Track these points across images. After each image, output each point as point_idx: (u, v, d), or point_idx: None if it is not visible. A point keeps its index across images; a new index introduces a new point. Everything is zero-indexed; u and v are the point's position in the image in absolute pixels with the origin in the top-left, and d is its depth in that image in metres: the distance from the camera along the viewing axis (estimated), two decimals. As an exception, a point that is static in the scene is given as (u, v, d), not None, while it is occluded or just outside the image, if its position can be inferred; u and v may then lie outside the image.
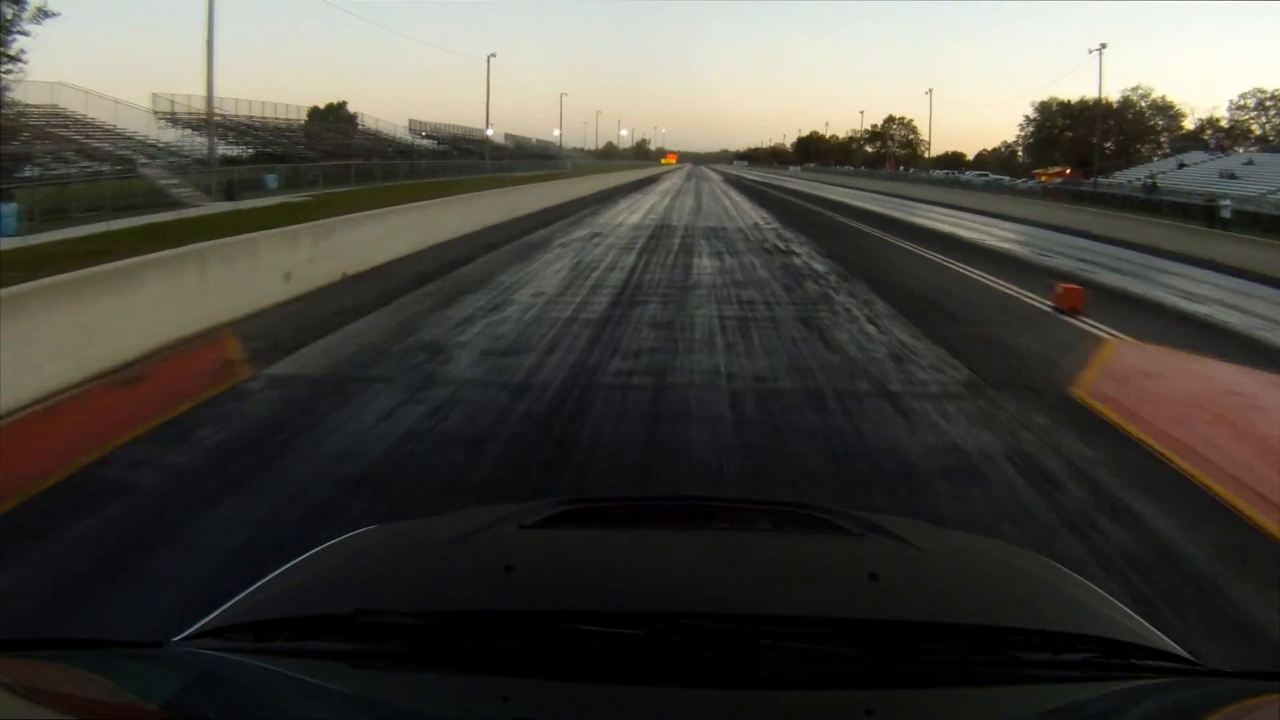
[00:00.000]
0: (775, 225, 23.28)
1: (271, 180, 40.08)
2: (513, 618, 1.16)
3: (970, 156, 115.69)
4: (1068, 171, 78.96)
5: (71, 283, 6.74)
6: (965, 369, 7.17)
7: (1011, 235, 23.68)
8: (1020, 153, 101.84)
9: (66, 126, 37.13)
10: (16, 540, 3.64)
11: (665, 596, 1.22)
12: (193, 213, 25.10)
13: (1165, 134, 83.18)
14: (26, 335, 5.89)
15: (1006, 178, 74.75)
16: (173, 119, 45.31)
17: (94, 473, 4.45)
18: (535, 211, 24.77)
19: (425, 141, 68.65)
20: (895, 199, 46.89)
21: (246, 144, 48.24)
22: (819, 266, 13.87)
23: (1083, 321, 9.78)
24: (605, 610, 1.15)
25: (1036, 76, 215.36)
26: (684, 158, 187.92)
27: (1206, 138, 74.33)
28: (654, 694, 1.05)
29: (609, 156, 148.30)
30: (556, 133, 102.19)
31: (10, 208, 18.11)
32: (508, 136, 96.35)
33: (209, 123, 39.76)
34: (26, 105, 36.05)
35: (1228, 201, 34.56)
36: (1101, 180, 60.56)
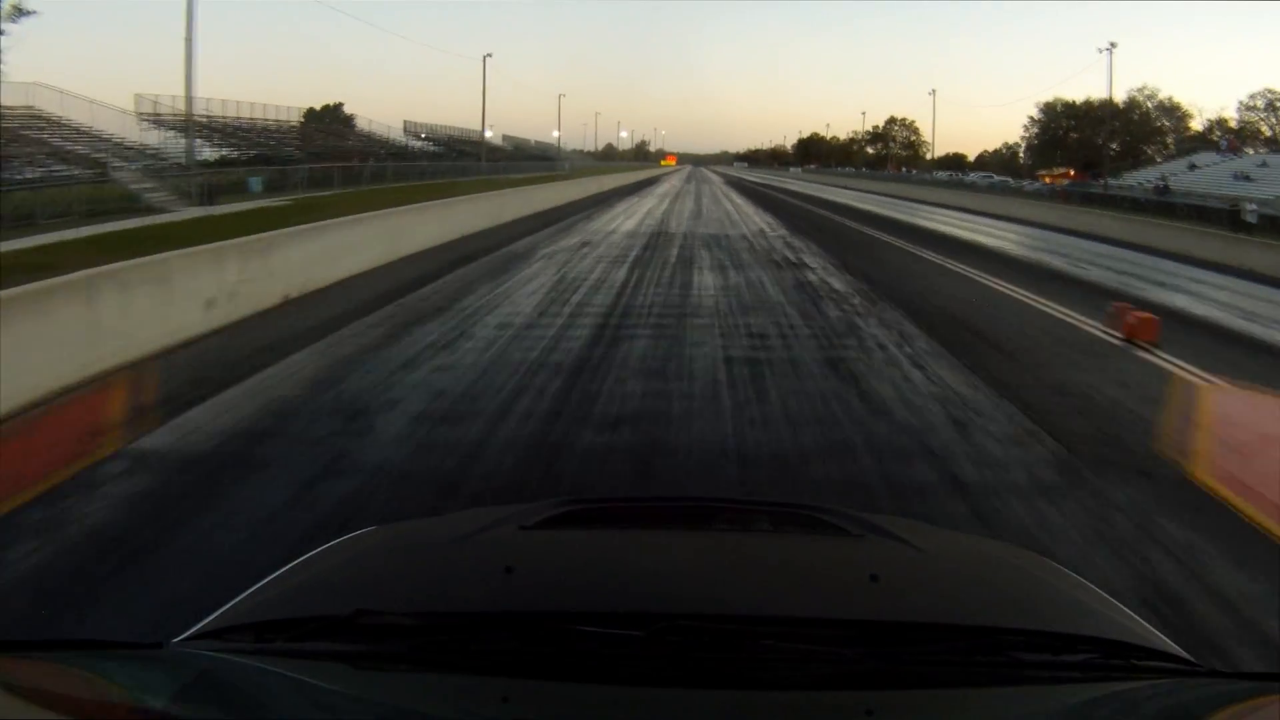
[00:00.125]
0: (782, 232, 21.50)
1: (256, 183, 38.65)
2: (513, 618, 1.16)
3: (971, 158, 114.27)
4: (1071, 173, 77.44)
5: None
6: (1048, 436, 5.44)
7: (1033, 242, 21.96)
8: (1022, 154, 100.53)
9: (44, 129, 35.48)
10: None
11: (665, 597, 1.22)
12: (161, 219, 23.45)
13: (1172, 135, 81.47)
14: None
15: (1011, 180, 73.32)
16: (156, 120, 43.64)
17: None
18: (523, 217, 23.04)
19: (419, 143, 66.96)
20: (900, 201, 45.27)
21: (233, 146, 46.60)
22: (837, 284, 12.12)
23: (1158, 356, 8.08)
24: (605, 611, 1.15)
25: (1038, 78, 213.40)
26: (684, 159, 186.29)
27: (1215, 139, 72.68)
28: (654, 695, 1.05)
29: (609, 158, 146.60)
30: (556, 134, 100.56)
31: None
32: (505, 138, 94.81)
33: (188, 124, 38.17)
34: (1, 107, 34.51)
35: (1252, 206, 32.95)
36: (1111, 182, 59.00)
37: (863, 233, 22.31)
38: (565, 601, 1.21)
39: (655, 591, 1.25)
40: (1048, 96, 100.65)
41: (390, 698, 1.06)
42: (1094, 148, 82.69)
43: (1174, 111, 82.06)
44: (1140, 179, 60.56)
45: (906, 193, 54.63)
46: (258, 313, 9.09)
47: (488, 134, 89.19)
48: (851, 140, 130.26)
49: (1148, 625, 1.33)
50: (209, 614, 1.24)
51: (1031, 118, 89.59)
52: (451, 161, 60.76)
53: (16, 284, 6.45)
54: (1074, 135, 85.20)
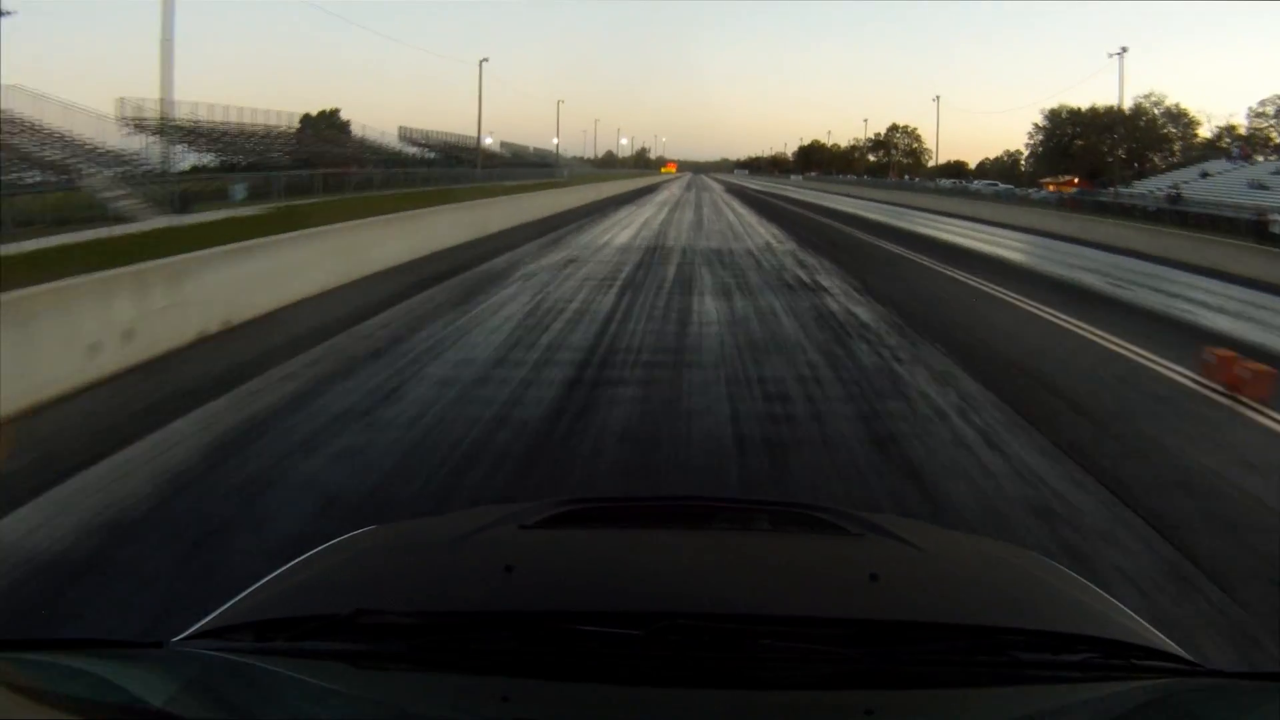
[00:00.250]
0: (791, 246, 19.63)
1: (239, 190, 37.12)
2: (513, 618, 1.15)
3: (971, 165, 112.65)
4: (1075, 181, 75.82)
5: None
6: (1206, 579, 3.66)
7: (1059, 256, 20.15)
8: (1023, 162, 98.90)
9: (17, 133, 33.77)
10: None
11: (665, 597, 1.22)
12: (118, 230, 21.70)
13: (1179, 143, 79.76)
14: None
15: (1017, 188, 71.73)
16: (139, 125, 41.95)
17: None
18: (509, 228, 21.26)
19: (414, 149, 65.27)
20: (906, 210, 43.58)
21: (219, 152, 44.91)
22: (863, 313, 10.29)
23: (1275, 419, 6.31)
24: (605, 610, 1.15)
25: (1038, 85, 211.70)
26: (684, 166, 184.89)
27: (1225, 146, 71.05)
28: (654, 694, 1.04)
29: (609, 165, 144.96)
30: (555, 142, 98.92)
31: None
32: (503, 144, 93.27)
33: (163, 128, 36.47)
34: (-27, 110, 32.92)
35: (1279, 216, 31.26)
36: (1120, 190, 57.34)
37: (877, 246, 20.49)
38: (565, 601, 1.20)
39: (655, 591, 1.24)
40: (1050, 103, 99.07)
41: (390, 697, 1.05)
42: (1100, 155, 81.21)
43: (1181, 118, 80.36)
44: (1150, 187, 58.82)
45: (911, 201, 52.94)
46: (159, 356, 7.32)
47: (486, 140, 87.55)
48: (853, 147, 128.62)
49: (1148, 625, 1.32)
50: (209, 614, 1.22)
51: (1036, 124, 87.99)
52: (446, 168, 59.11)
53: None
54: (1079, 142, 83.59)
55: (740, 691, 1.04)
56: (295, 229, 12.33)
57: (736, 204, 43.74)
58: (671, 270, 13.97)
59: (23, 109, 34.96)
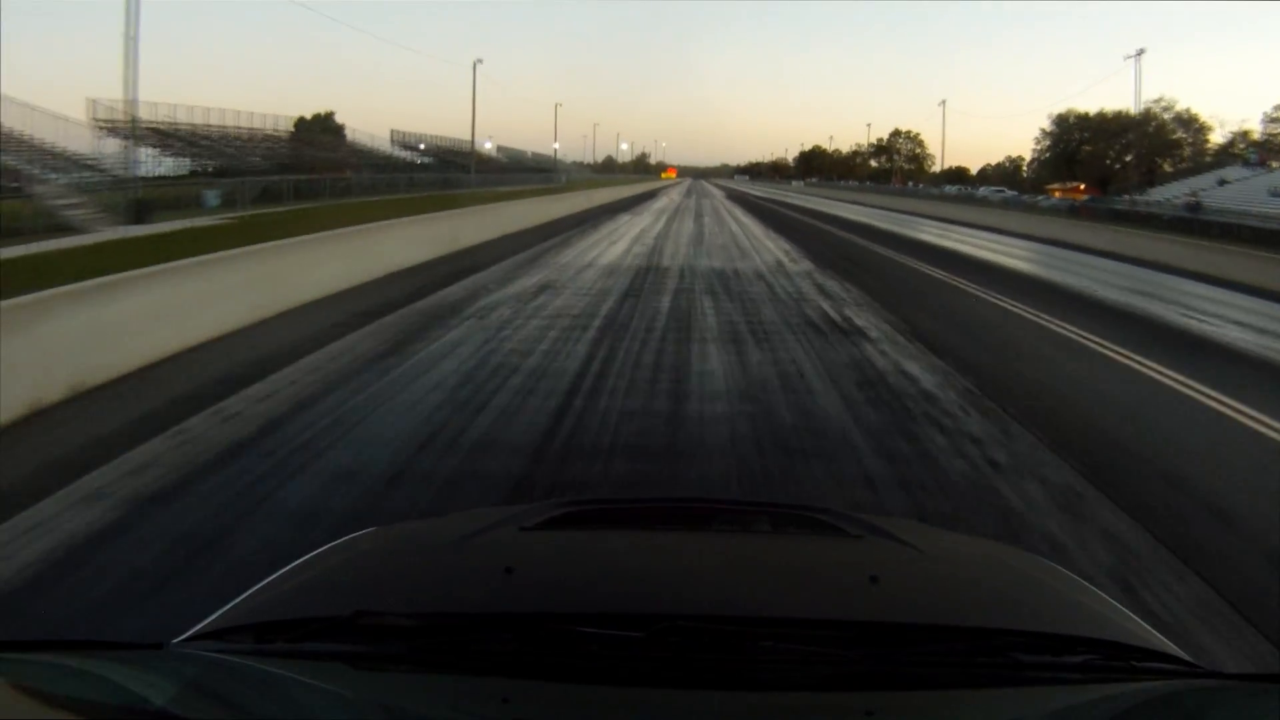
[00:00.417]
0: (806, 265, 16.74)
1: (212, 197, 34.69)
2: (513, 619, 1.14)
3: (973, 171, 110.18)
4: (1082, 188, 73.35)
5: None
6: None
7: (1104, 275, 17.42)
8: (1025, 168, 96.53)
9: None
10: None
11: (665, 598, 1.21)
12: (59, 243, 19.10)
13: (1190, 148, 77.10)
14: None
15: (1026, 195, 69.26)
16: (111, 128, 39.39)
17: None
18: (484, 243, 18.58)
19: (405, 153, 62.66)
20: (915, 218, 40.99)
21: (196, 156, 42.30)
22: (921, 374, 7.46)
23: None
24: (605, 612, 1.14)
25: (1039, 90, 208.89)
26: (684, 172, 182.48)
27: (1240, 152, 68.48)
28: (654, 696, 1.03)
29: (608, 170, 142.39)
30: (555, 146, 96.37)
31: None
32: (500, 149, 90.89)
33: (131, 132, 33.87)
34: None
35: (1326, 227, 28.66)
36: (1136, 198, 54.78)
37: (902, 265, 17.72)
38: (565, 602, 1.19)
39: (655, 592, 1.24)
40: (1055, 108, 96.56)
41: (390, 698, 1.05)
42: (1108, 161, 78.64)
43: (1192, 124, 77.70)
44: (1167, 195, 56.23)
45: (917, 208, 50.39)
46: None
47: (486, 145, 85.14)
48: (854, 153, 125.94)
49: (1148, 626, 1.31)
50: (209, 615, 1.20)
51: (1043, 129, 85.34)
52: (438, 173, 56.51)
53: None
54: (1086, 148, 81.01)
55: (740, 693, 1.04)
56: (249, 244, 10.63)
57: (739, 212, 40.97)
58: (665, 302, 11.24)
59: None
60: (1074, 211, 49.64)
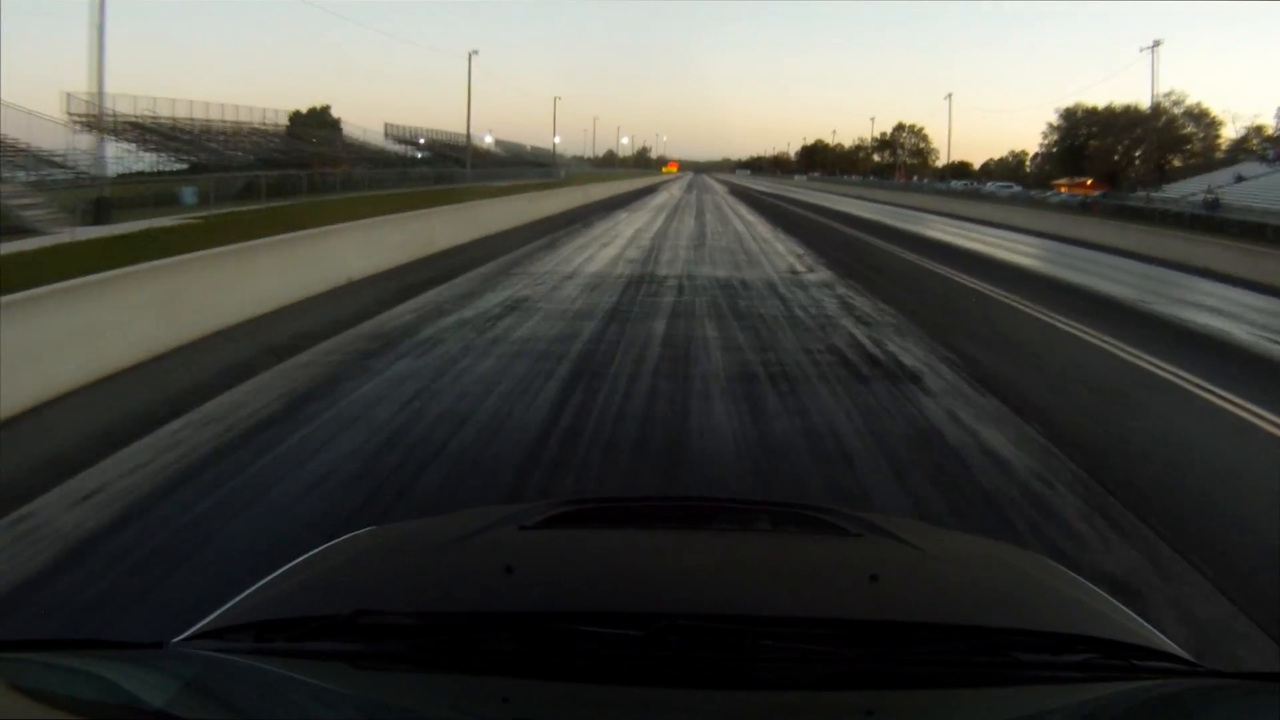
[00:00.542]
0: (825, 274, 14.25)
1: (189, 194, 32.65)
2: (513, 618, 1.12)
3: (976, 166, 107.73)
4: (1089, 183, 71.05)
5: None
6: None
7: (1156, 285, 15.20)
8: (1028, 163, 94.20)
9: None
10: None
11: (665, 597, 1.19)
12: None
13: (1200, 144, 74.60)
14: None
15: (1034, 190, 67.01)
16: (87, 123, 37.20)
17: None
18: (459, 245, 16.32)
19: (398, 147, 60.35)
20: (925, 214, 38.79)
21: (176, 151, 40.08)
22: (1001, 445, 5.22)
23: None
24: (605, 611, 1.13)
25: (1042, 85, 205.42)
26: (685, 166, 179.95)
27: (1254, 147, 66.11)
28: (654, 695, 1.02)
29: (609, 165, 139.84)
30: (557, 140, 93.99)
31: None
32: (500, 143, 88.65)
33: (100, 125, 31.67)
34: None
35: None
36: (1152, 195, 52.49)
37: (931, 272, 15.35)
38: (565, 601, 1.17)
39: (655, 591, 1.22)
40: (1058, 103, 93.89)
41: (390, 698, 1.03)
42: (1116, 157, 76.24)
43: (1203, 119, 75.11)
44: (1182, 191, 53.91)
45: (925, 204, 48.04)
46: None
47: (486, 139, 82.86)
48: (857, 147, 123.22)
49: (1148, 625, 1.28)
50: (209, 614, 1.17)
51: (1051, 124, 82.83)
52: (431, 167, 54.29)
53: None
54: (1094, 143, 78.55)
55: (740, 692, 1.02)
56: (206, 247, 9.44)
57: (743, 209, 38.60)
58: (660, 326, 8.99)
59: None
60: (1086, 208, 47.46)
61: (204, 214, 26.23)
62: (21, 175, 27.51)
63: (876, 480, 4.69)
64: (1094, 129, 78.92)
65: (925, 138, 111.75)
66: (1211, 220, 37.84)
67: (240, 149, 42.46)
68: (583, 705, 0.99)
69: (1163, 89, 74.83)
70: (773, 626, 1.08)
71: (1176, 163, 71.45)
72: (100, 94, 29.43)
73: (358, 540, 1.50)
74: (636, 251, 17.25)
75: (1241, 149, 67.58)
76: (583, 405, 5.92)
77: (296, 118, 60.61)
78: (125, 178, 34.80)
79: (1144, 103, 72.16)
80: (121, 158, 38.75)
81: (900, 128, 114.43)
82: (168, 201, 30.45)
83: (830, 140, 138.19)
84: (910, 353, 8.00)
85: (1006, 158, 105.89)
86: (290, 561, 1.38)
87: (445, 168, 54.00)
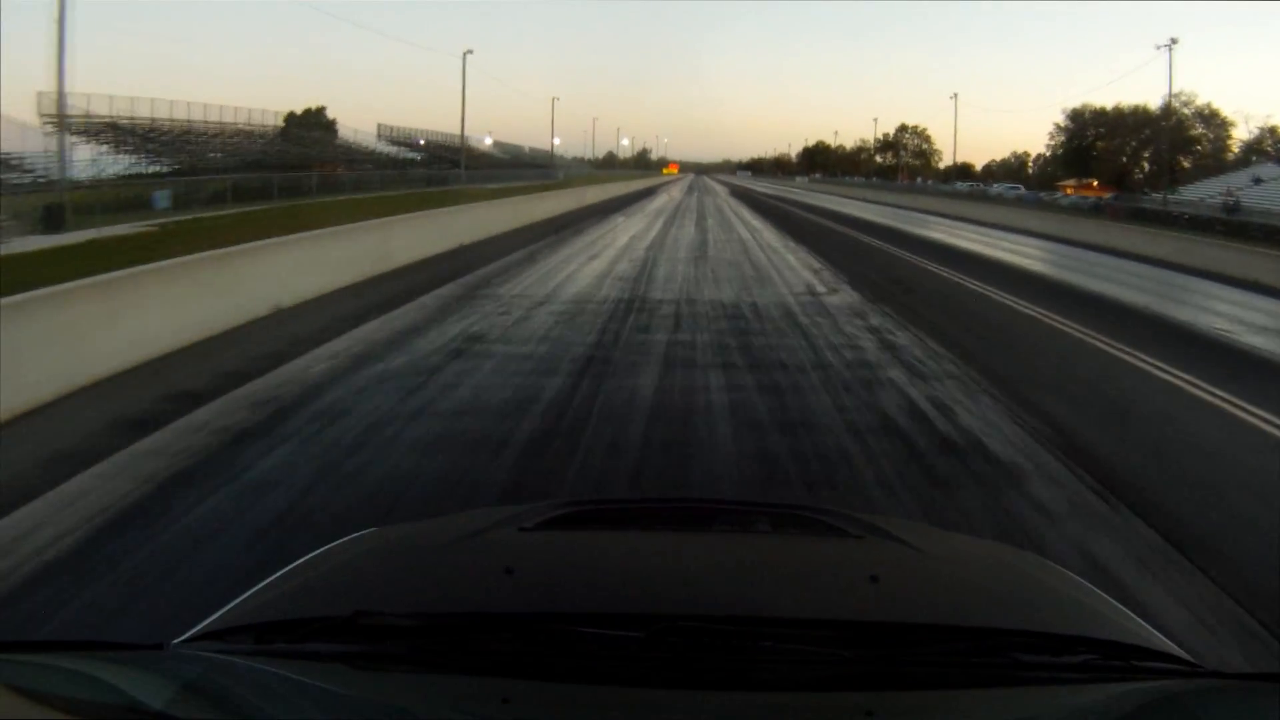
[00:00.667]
0: (849, 296, 11.81)
1: (161, 198, 30.64)
2: (513, 620, 1.11)
3: (978, 167, 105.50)
4: (1095, 184, 68.85)
5: None
6: None
7: (1221, 306, 12.98)
8: (1031, 164, 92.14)
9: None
10: None
11: (665, 599, 1.18)
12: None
13: (1210, 145, 72.31)
14: None
15: (1043, 193, 64.83)
16: (58, 124, 34.97)
17: None
18: (423, 260, 14.07)
19: (392, 149, 58.13)
20: (933, 217, 36.63)
21: (152, 154, 37.96)
22: (1178, 618, 3.18)
23: None
24: (605, 612, 1.12)
25: (1045, 86, 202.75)
26: (686, 168, 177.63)
27: (1267, 148, 63.91)
28: (654, 696, 1.00)
29: (609, 166, 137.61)
30: (556, 141, 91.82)
31: None
32: (498, 145, 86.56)
33: (60, 125, 29.52)
34: None
35: None
36: (1168, 197, 50.28)
37: (972, 292, 12.91)
38: (565, 603, 1.16)
39: (655, 593, 1.21)
40: (1064, 104, 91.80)
41: (390, 698, 1.02)
42: (1124, 158, 74.12)
43: (1213, 119, 72.78)
44: (1198, 194, 51.72)
45: (932, 206, 45.84)
46: None
47: (485, 140, 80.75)
48: (859, 149, 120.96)
49: (1148, 626, 1.26)
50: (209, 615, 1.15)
51: (1058, 125, 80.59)
52: (426, 169, 52.12)
53: None
54: (1101, 144, 76.32)
55: (741, 693, 1.01)
56: (150, 261, 8.28)
57: (746, 213, 36.32)
58: (648, 384, 6.68)
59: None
60: (1098, 210, 45.26)
61: (164, 221, 24.06)
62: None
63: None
64: (1101, 130, 76.67)
65: (928, 139, 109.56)
66: (1231, 224, 35.79)
67: (223, 151, 40.26)
68: (582, 706, 0.98)
69: (1167, 90, 72.54)
70: (773, 628, 1.07)
71: (1185, 164, 69.25)
72: (60, 92, 27.26)
73: (358, 542, 1.47)
74: (628, 265, 14.95)
75: (1255, 150, 65.33)
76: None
77: (292, 119, 58.56)
78: (99, 182, 32.75)
79: (1152, 104, 70.06)
80: (96, 160, 36.66)
81: (903, 129, 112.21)
82: (139, 206, 28.39)
83: (832, 141, 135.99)
84: (992, 426, 5.71)
85: (1009, 159, 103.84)
86: (290, 564, 1.35)
87: (438, 169, 51.84)
